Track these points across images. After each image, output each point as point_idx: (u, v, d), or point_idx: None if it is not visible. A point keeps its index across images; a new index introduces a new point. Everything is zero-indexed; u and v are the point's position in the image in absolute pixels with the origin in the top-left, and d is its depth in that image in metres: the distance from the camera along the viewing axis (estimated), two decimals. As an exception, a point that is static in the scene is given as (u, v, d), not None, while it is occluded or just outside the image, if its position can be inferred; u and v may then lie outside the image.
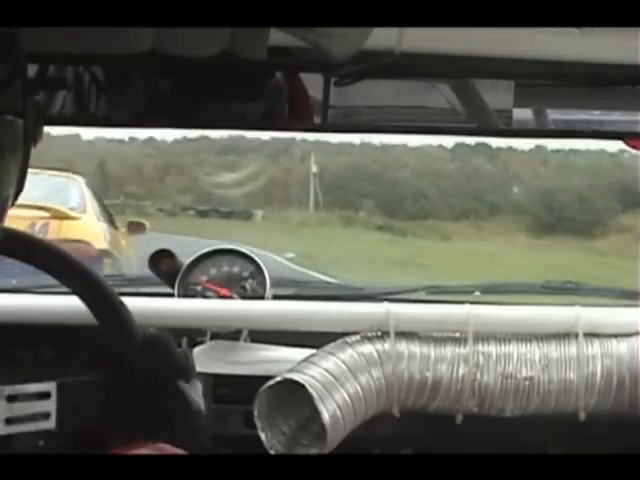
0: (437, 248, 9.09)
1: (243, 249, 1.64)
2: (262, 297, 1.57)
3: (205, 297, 1.58)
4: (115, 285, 1.57)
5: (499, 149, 9.06)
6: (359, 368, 1.37)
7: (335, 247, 8.66)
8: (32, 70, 1.10)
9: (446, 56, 1.19)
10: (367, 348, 1.39)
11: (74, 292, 1.15)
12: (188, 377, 1.14)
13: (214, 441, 1.46)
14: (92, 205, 5.33)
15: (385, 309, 1.42)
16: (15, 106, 0.90)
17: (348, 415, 1.34)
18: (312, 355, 1.39)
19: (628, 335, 1.43)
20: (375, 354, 1.38)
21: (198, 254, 1.62)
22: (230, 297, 1.58)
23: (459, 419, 1.41)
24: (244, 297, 1.58)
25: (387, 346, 1.39)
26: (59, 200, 5.03)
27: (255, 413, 1.35)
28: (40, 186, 4.60)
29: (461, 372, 1.39)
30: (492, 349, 1.41)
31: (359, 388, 1.36)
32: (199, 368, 1.45)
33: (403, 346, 1.40)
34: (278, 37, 1.02)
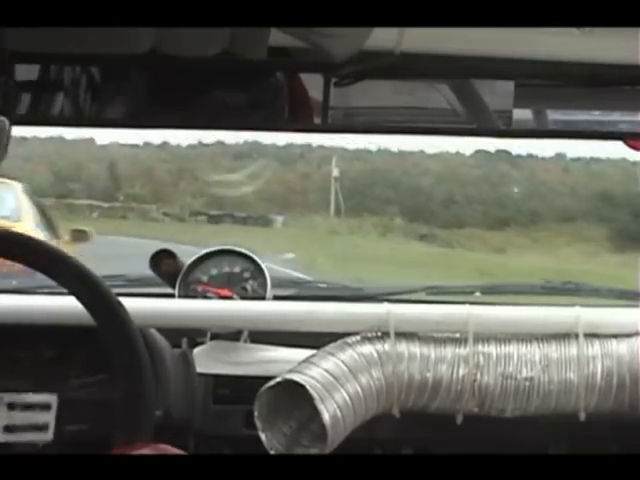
0: (502, 264, 7.43)
1: (243, 250, 1.64)
2: (263, 298, 1.57)
3: (206, 297, 1.58)
4: (115, 285, 1.57)
5: (519, 156, 8.31)
6: (359, 368, 1.37)
7: (384, 264, 6.99)
8: (32, 70, 1.10)
9: (446, 56, 1.19)
10: (367, 348, 1.39)
11: (71, 293, 1.15)
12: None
13: (214, 441, 1.47)
14: (29, 213, 5.14)
15: (385, 309, 1.42)
16: None
17: (348, 415, 1.34)
18: (312, 356, 1.39)
19: (628, 335, 1.42)
20: (375, 354, 1.38)
21: (199, 254, 1.62)
22: (231, 298, 1.58)
23: (459, 419, 1.41)
24: (245, 298, 1.58)
25: (387, 346, 1.39)
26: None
27: (255, 414, 1.35)
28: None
29: (461, 372, 1.39)
30: (492, 349, 1.41)
31: (359, 388, 1.36)
32: (199, 369, 1.46)
33: (403, 346, 1.40)
34: (278, 37, 1.02)
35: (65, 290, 1.18)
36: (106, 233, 7.15)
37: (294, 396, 1.34)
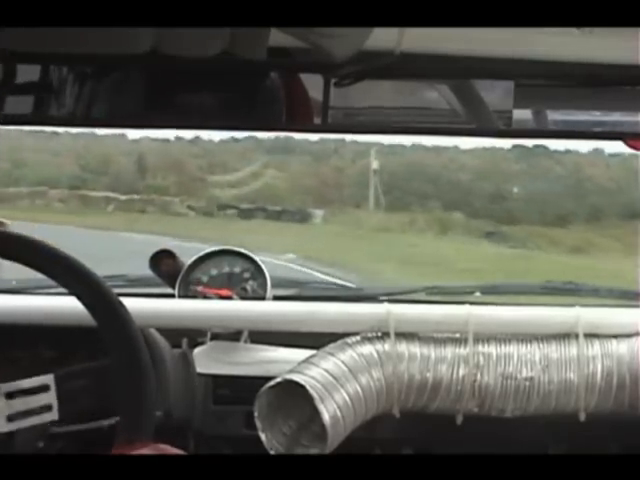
0: (591, 267, 6.02)
1: (243, 250, 1.64)
2: (263, 298, 1.57)
3: (206, 298, 1.58)
4: (116, 285, 1.57)
5: (557, 151, 7.20)
6: (359, 369, 1.37)
7: (458, 270, 5.76)
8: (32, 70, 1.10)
9: (446, 56, 1.19)
10: (367, 349, 1.39)
11: (72, 293, 1.15)
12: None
13: (214, 441, 1.47)
14: None
15: (385, 310, 1.42)
16: None
17: (348, 416, 1.34)
18: (312, 356, 1.39)
19: (628, 335, 1.42)
20: (375, 355, 1.38)
21: (200, 254, 1.63)
22: (231, 298, 1.58)
23: (459, 420, 1.41)
24: (245, 298, 1.58)
25: (387, 347, 1.39)
26: None
27: (255, 414, 1.35)
28: None
29: (461, 373, 1.39)
30: (492, 350, 1.41)
31: (359, 389, 1.36)
32: (199, 369, 1.46)
33: (403, 347, 1.40)
34: (278, 37, 1.02)
35: (65, 290, 1.18)
36: (117, 229, 6.59)
37: (294, 396, 1.34)
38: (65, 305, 1.31)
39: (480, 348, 1.41)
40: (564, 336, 1.42)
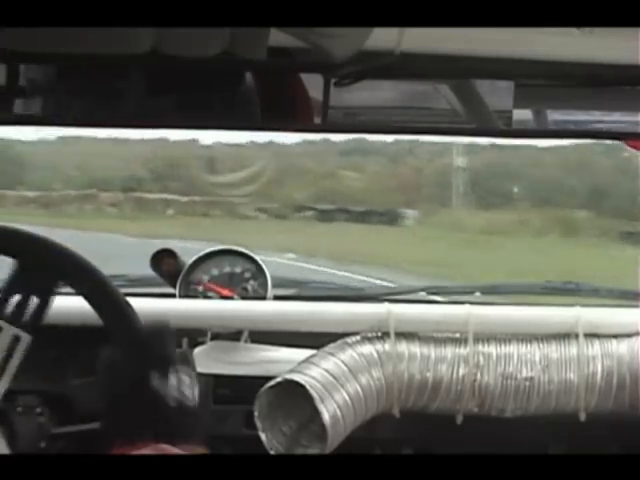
0: None
1: (244, 249, 1.64)
2: (264, 298, 1.57)
3: (207, 297, 1.58)
4: (117, 285, 1.57)
5: None
6: (359, 368, 1.37)
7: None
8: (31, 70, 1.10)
9: (446, 56, 1.19)
10: (367, 348, 1.39)
11: (79, 293, 1.15)
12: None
13: (214, 441, 1.47)
14: None
15: (385, 309, 1.42)
16: None
17: (348, 415, 1.34)
18: (312, 356, 1.39)
19: (628, 335, 1.43)
20: (375, 354, 1.39)
21: (200, 254, 1.63)
22: (231, 298, 1.58)
23: (459, 419, 1.41)
24: (246, 298, 1.58)
25: (387, 346, 1.39)
26: None
27: (255, 413, 1.35)
28: None
29: (461, 372, 1.39)
30: (492, 349, 1.41)
31: (359, 388, 1.36)
32: (200, 368, 1.45)
33: (403, 346, 1.40)
34: (278, 37, 1.02)
35: (65, 290, 1.18)
36: (174, 236, 5.22)
37: (294, 396, 1.35)
38: (66, 305, 1.31)
39: (480, 348, 1.41)
40: (564, 336, 1.42)
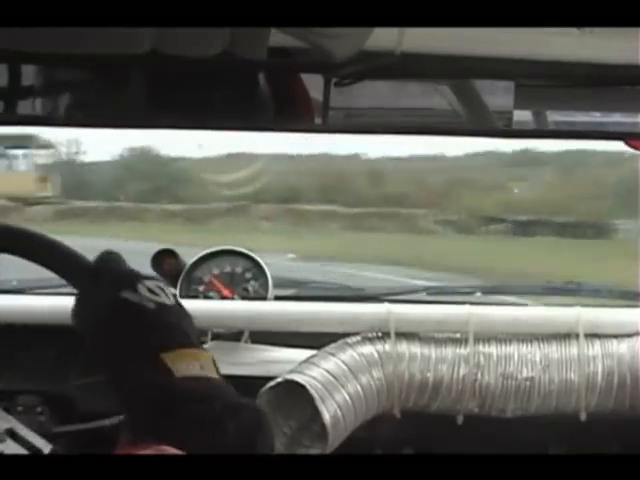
0: None
1: (244, 250, 1.64)
2: (264, 298, 1.57)
3: (207, 297, 1.58)
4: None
5: None
6: (360, 369, 1.37)
7: None
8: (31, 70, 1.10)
9: (446, 56, 1.19)
10: (368, 349, 1.39)
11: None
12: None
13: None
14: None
15: (386, 310, 1.42)
16: None
17: (349, 415, 1.34)
18: (313, 356, 1.39)
19: (629, 335, 1.43)
20: (376, 355, 1.39)
21: (201, 254, 1.63)
22: (232, 298, 1.58)
23: (460, 419, 1.41)
24: (246, 298, 1.58)
25: (388, 347, 1.39)
26: None
27: (256, 413, 1.35)
28: None
29: (462, 373, 1.39)
30: (493, 350, 1.41)
31: (360, 388, 1.36)
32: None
33: (404, 347, 1.40)
34: (278, 37, 1.02)
35: (65, 290, 1.18)
36: (341, 258, 4.64)
37: (295, 396, 1.35)
38: (66, 305, 1.31)
39: (481, 348, 1.41)
40: (565, 336, 1.42)
